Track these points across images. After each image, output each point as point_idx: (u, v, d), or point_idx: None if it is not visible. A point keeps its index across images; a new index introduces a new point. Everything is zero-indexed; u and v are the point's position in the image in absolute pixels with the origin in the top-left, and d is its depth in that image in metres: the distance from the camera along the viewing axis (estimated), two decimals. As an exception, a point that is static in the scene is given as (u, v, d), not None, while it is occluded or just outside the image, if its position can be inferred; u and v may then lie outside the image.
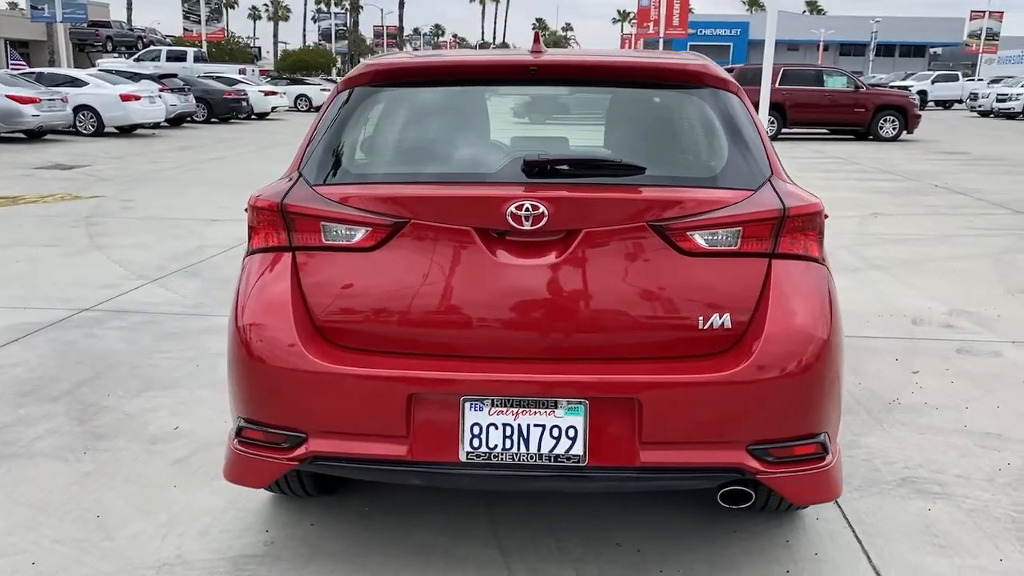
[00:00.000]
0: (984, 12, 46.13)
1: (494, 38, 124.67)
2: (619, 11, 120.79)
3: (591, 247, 2.30)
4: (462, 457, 2.31)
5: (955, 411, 3.93)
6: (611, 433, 2.28)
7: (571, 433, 2.28)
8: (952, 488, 3.19)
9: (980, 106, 35.80)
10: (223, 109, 26.74)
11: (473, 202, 2.34)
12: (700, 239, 2.32)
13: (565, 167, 2.39)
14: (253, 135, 22.13)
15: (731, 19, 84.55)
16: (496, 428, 2.29)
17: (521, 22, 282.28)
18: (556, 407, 2.28)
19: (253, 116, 28.97)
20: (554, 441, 2.28)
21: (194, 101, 25.00)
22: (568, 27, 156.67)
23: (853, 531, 2.87)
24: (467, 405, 2.30)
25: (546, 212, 2.26)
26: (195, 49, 38.38)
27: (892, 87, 29.80)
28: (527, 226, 2.27)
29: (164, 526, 2.90)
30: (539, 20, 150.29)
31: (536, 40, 2.77)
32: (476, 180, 2.48)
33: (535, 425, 2.29)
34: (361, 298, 2.38)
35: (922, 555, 2.74)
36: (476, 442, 2.30)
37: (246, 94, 27.83)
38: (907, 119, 21.51)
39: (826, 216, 2.49)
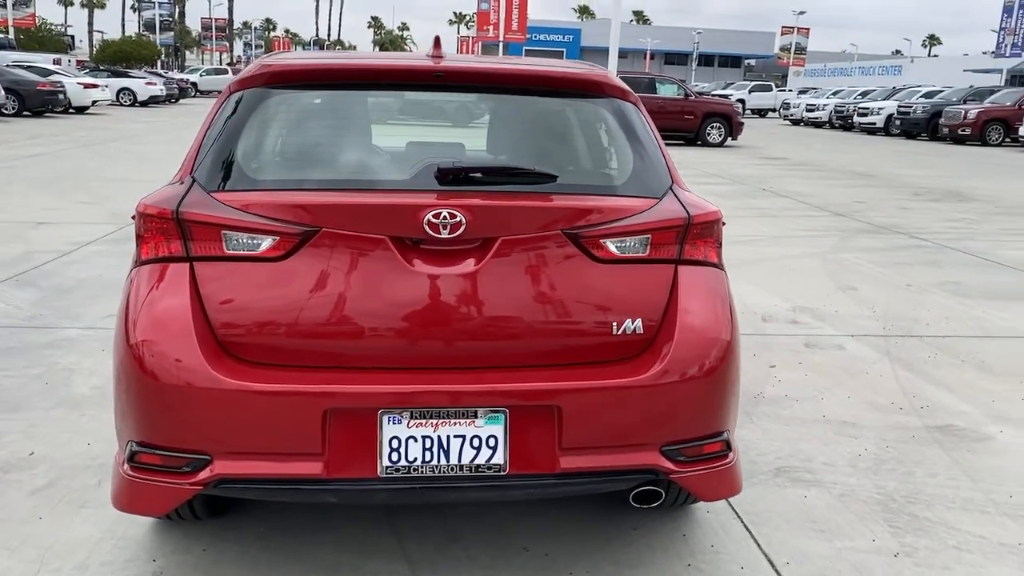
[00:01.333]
0: (793, 28, 49.79)
1: (328, 35, 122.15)
2: (455, 13, 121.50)
3: (507, 255, 2.30)
4: (380, 472, 2.25)
5: (813, 402, 4.22)
6: (531, 441, 2.29)
7: (491, 442, 2.27)
8: (821, 475, 3.42)
9: (792, 115, 38.58)
10: (37, 101, 24.76)
11: (389, 210, 2.28)
12: (612, 246, 2.37)
13: (477, 174, 2.37)
14: (73, 131, 20.60)
15: (565, 25, 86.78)
16: (415, 441, 2.25)
17: (356, 20, 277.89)
18: (476, 417, 2.26)
19: (71, 110, 27.00)
20: (474, 451, 2.26)
21: (2, 92, 23.02)
22: (404, 27, 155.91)
23: (742, 521, 3.02)
24: (385, 418, 2.24)
25: (464, 220, 2.24)
26: (2, 36, 35.28)
27: (715, 95, 31.54)
28: (444, 234, 2.24)
29: (34, 562, 2.65)
30: (375, 19, 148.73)
31: (437, 44, 2.74)
32: (389, 187, 2.42)
33: (455, 436, 2.26)
34: (269, 310, 2.27)
35: (806, 540, 2.91)
36: (395, 456, 2.25)
37: (63, 86, 25.87)
38: (732, 126, 22.85)
39: (724, 224, 2.60)
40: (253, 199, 2.31)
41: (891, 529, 3.01)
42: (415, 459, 2.25)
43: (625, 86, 2.71)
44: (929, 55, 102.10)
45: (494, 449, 2.27)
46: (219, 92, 2.66)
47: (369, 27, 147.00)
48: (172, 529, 2.86)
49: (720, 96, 33.56)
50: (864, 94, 37.08)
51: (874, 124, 31.42)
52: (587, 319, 2.35)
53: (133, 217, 2.42)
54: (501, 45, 32.51)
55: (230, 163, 2.42)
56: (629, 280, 2.39)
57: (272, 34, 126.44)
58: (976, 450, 3.69)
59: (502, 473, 2.28)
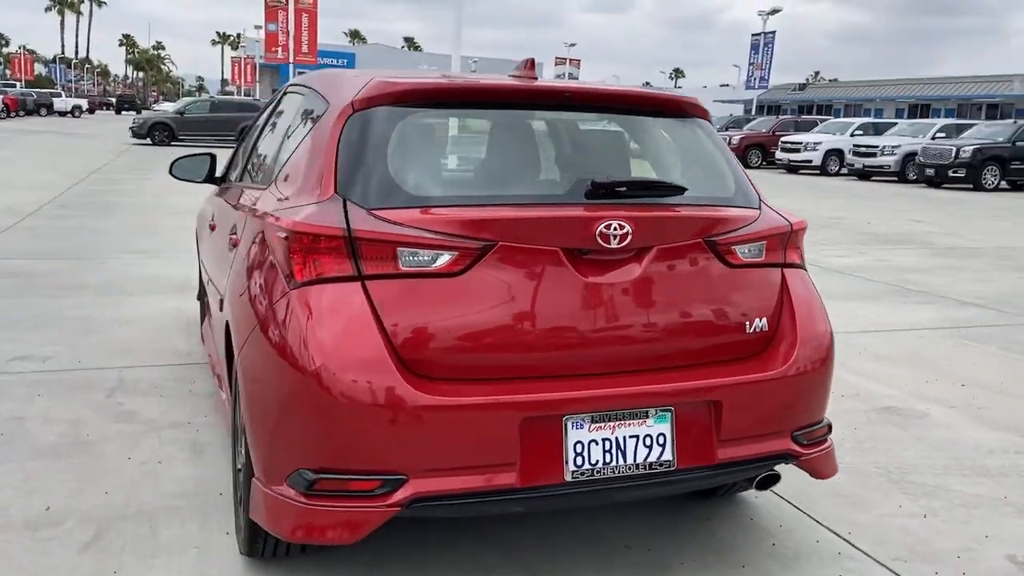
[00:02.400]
0: (566, 59, 52.64)
1: (76, 53, 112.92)
2: (219, 33, 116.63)
3: (661, 262, 2.46)
4: (567, 477, 2.32)
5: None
6: (693, 436, 2.45)
7: (661, 440, 2.41)
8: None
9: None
10: None
11: (563, 222, 2.37)
12: (740, 252, 2.60)
13: (624, 188, 2.51)
14: None
15: (339, 49, 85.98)
16: (596, 444, 2.34)
17: (106, 37, 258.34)
18: (647, 417, 2.40)
19: None
20: (647, 450, 2.39)
21: None
22: (159, 45, 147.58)
23: (790, 503, 3.33)
24: (569, 424, 2.32)
25: (630, 231, 2.38)
26: None
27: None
28: (614, 244, 2.37)
29: (145, 617, 2.43)
30: (126, 36, 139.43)
31: (532, 66, 2.84)
32: (554, 201, 2.50)
33: (630, 436, 2.38)
34: (449, 325, 2.28)
35: (850, 512, 3.27)
36: (579, 460, 2.33)
37: None
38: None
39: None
40: (424, 216, 2.31)
41: (907, 496, 3.44)
42: (597, 461, 2.34)
43: (705, 108, 2.95)
44: (675, 86, 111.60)
45: (663, 446, 2.41)
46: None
47: (121, 45, 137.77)
48: (265, 567, 2.71)
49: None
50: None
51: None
52: (727, 319, 2.56)
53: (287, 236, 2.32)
54: (292, 67, 31.78)
55: (382, 181, 2.39)
56: (753, 282, 2.63)
57: (7, 50, 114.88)
58: (924, 426, 4.27)
59: (672, 468, 2.42)
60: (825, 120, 32.42)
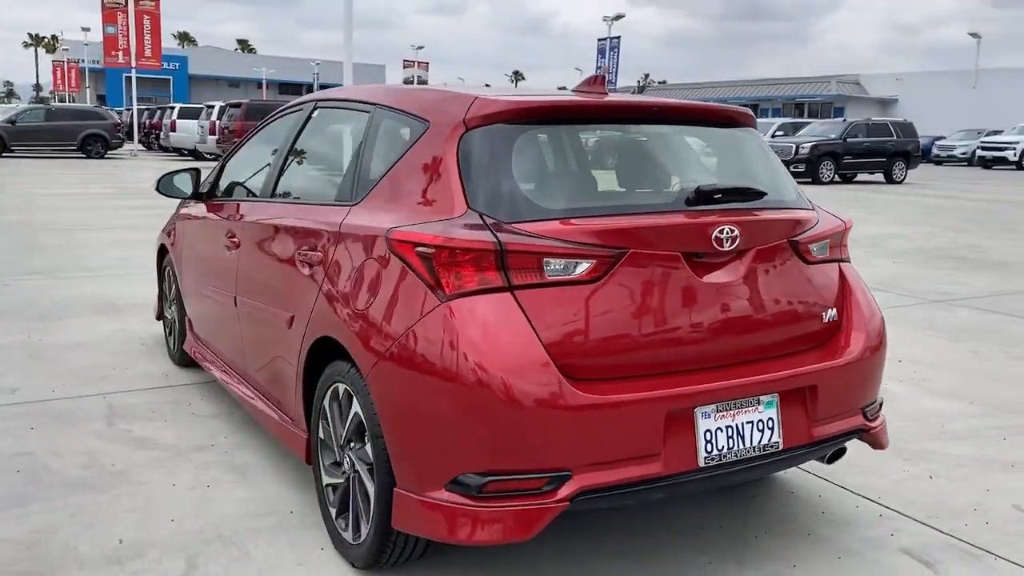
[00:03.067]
0: (414, 62, 52.62)
1: None
2: (32, 35, 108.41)
3: (759, 262, 2.71)
4: (700, 463, 2.52)
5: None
6: (794, 418, 2.71)
7: (770, 424, 2.65)
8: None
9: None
10: None
11: (685, 228, 2.57)
12: (813, 250, 2.88)
13: (721, 194, 2.73)
14: None
15: (171, 53, 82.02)
16: (721, 431, 2.55)
17: None
18: (759, 403, 2.63)
19: None
20: (760, 433, 2.63)
21: None
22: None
23: (816, 475, 3.67)
24: (699, 414, 2.52)
25: (739, 234, 2.61)
26: None
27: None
28: (726, 247, 2.59)
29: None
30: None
31: (602, 83, 3.02)
32: (670, 209, 2.67)
33: (747, 422, 2.60)
34: (592, 329, 2.42)
35: (870, 479, 3.64)
36: (709, 447, 2.53)
37: None
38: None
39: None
40: (563, 227, 2.44)
41: (907, 462, 3.85)
42: (723, 447, 2.55)
43: (754, 117, 3.21)
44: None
45: (772, 429, 2.65)
46: None
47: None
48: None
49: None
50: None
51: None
52: (809, 311, 2.84)
53: (422, 248, 2.38)
54: (134, 73, 30.13)
55: (513, 195, 2.50)
56: (823, 277, 2.92)
57: None
58: (894, 400, 4.74)
59: (779, 449, 2.67)
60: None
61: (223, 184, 4.38)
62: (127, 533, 3.01)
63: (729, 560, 2.93)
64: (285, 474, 3.56)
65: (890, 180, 25.09)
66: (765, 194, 2.85)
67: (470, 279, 2.37)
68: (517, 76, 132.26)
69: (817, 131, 25.89)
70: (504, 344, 2.32)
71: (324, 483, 2.99)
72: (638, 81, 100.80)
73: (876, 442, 3.05)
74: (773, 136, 27.09)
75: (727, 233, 2.59)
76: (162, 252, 5.20)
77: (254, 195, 3.94)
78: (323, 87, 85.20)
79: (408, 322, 2.44)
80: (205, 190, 4.41)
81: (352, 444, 2.78)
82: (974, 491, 3.56)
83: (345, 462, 2.83)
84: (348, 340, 2.67)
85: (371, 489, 2.64)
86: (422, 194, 2.63)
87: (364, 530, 2.70)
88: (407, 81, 59.79)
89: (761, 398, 2.64)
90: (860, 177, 25.38)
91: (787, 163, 24.11)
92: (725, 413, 2.57)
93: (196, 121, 26.70)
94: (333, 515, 2.92)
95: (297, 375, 3.10)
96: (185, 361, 4.93)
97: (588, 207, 2.63)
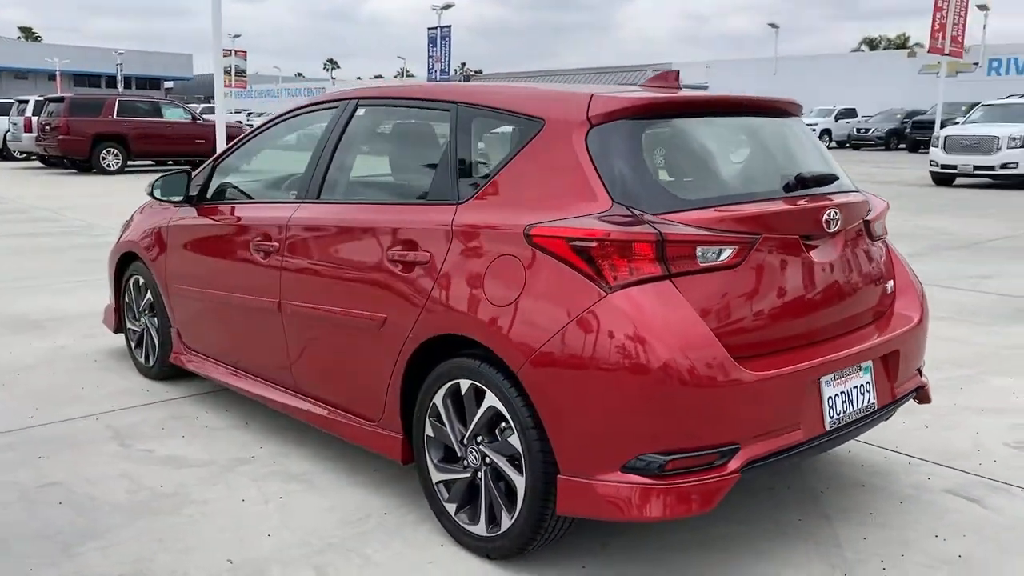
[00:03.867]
0: (232, 50, 50.32)
1: None
2: None
3: (848, 242, 2.97)
4: (827, 427, 2.76)
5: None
6: (882, 380, 3.01)
7: (867, 387, 2.93)
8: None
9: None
10: None
11: (803, 213, 2.78)
12: (875, 229, 3.19)
13: (817, 181, 2.97)
14: None
15: (-54, 41, 74.43)
16: (838, 397, 2.81)
17: None
18: (860, 369, 2.90)
19: None
20: (862, 397, 2.90)
21: None
22: None
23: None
24: (823, 382, 2.75)
25: (840, 217, 2.86)
26: None
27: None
28: (832, 229, 2.83)
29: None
30: None
31: (676, 79, 3.18)
32: (786, 195, 2.86)
33: (853, 387, 2.87)
34: (740, 309, 2.60)
35: (902, 436, 4.04)
36: (832, 412, 2.78)
37: None
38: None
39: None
40: (708, 216, 2.59)
41: (900, 415, 4.30)
42: (839, 411, 2.80)
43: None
44: (331, 77, 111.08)
45: (869, 392, 2.93)
46: None
47: None
48: (507, 564, 2.81)
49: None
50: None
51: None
52: (880, 283, 3.15)
53: (583, 245, 2.46)
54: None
55: (653, 187, 2.62)
56: (880, 252, 3.24)
57: None
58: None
59: (874, 409, 2.95)
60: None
61: (222, 187, 4.19)
62: (232, 553, 2.89)
63: (814, 515, 3.20)
64: (352, 477, 3.49)
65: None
66: (839, 178, 3.13)
67: (634, 269, 2.48)
68: (332, 64, 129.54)
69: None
70: (674, 329, 2.45)
71: (435, 480, 2.99)
72: (455, 70, 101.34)
73: (927, 397, 3.40)
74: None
75: (833, 215, 2.84)
76: (124, 260, 4.87)
77: (283, 197, 3.81)
78: (128, 80, 79.86)
79: (569, 314, 2.50)
80: (195, 193, 4.20)
81: (479, 439, 2.81)
82: (967, 435, 4.03)
83: (470, 457, 2.85)
84: (488, 336, 2.68)
85: (518, 480, 2.68)
86: (553, 190, 2.69)
87: (506, 521, 2.74)
88: (227, 70, 57.27)
89: (862, 364, 2.91)
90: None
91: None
92: (840, 380, 2.82)
93: (7, 117, 24.40)
94: (452, 511, 2.94)
95: (392, 376, 3.07)
96: (164, 374, 4.67)
97: (719, 196, 2.78)
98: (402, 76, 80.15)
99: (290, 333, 3.58)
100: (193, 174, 4.25)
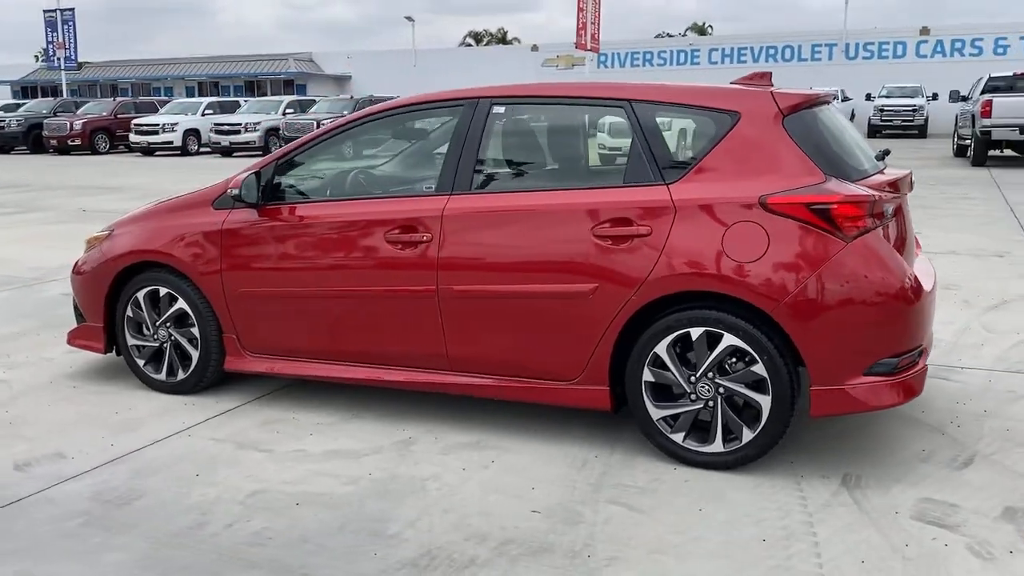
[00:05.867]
0: None
1: None
2: None
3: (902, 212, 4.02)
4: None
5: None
6: None
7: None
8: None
9: None
10: None
11: (905, 178, 3.78)
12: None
13: (883, 155, 3.98)
14: None
15: None
16: (925, 309, 3.90)
17: None
18: (923, 289, 4.02)
19: None
20: (926, 308, 4.03)
21: None
22: None
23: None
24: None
25: (910, 182, 3.93)
26: None
27: None
28: (908, 191, 3.89)
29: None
30: None
31: (769, 78, 4.01)
32: (878, 171, 3.80)
33: (925, 302, 3.98)
34: (893, 248, 3.53)
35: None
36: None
37: None
38: None
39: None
40: (878, 181, 3.50)
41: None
42: (927, 319, 3.90)
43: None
44: None
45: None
46: None
47: None
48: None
49: None
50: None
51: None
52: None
53: (772, 207, 3.25)
54: None
55: (841, 163, 3.48)
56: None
57: None
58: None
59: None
60: (168, 101, 32.36)
61: (295, 186, 4.21)
62: (532, 506, 3.21)
63: (937, 441, 3.95)
64: (528, 436, 3.86)
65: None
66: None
67: (861, 223, 3.30)
68: None
69: (334, 107, 27.38)
70: (895, 264, 3.34)
71: (655, 418, 3.55)
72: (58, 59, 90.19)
73: None
74: (284, 113, 27.80)
75: (909, 180, 3.90)
76: (123, 275, 4.53)
77: (405, 192, 3.99)
78: None
79: (818, 261, 3.26)
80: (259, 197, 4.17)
81: (710, 375, 3.45)
82: (993, 343, 5.31)
83: (700, 391, 3.47)
84: (738, 288, 3.32)
85: (763, 400, 3.37)
86: (766, 167, 3.39)
87: (747, 435, 3.43)
88: None
89: None
90: (369, 149, 27.61)
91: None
92: (923, 299, 3.91)
93: None
94: (680, 439, 3.53)
95: (603, 336, 3.55)
96: (202, 386, 4.47)
97: (866, 168, 3.67)
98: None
99: (449, 315, 3.82)
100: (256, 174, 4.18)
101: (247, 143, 26.72)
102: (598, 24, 28.73)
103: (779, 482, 3.41)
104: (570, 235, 3.61)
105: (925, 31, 37.60)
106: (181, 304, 4.42)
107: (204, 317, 4.38)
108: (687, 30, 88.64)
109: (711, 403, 3.49)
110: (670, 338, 3.50)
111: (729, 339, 3.40)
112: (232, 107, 29.92)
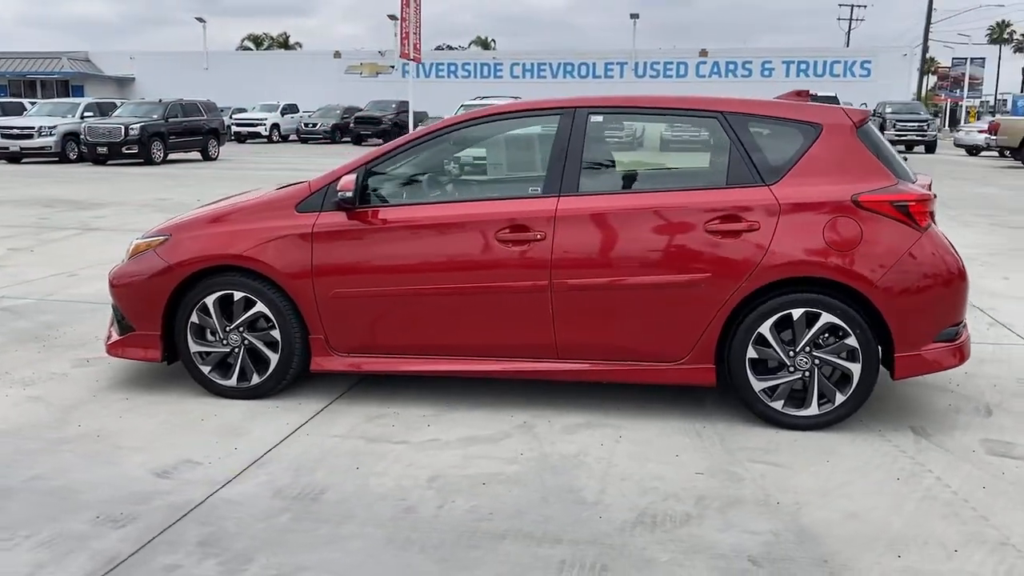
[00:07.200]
0: None
1: None
2: None
3: None
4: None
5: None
6: None
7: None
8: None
9: None
10: None
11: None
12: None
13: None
14: None
15: None
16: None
17: None
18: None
19: None
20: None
21: None
22: None
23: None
24: (938, 281, 4.65)
25: (922, 183, 4.74)
26: None
27: None
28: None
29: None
30: None
31: (808, 95, 4.67)
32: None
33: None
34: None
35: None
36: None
37: None
38: None
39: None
40: (925, 183, 4.24)
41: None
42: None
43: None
44: None
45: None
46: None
47: None
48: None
49: None
50: None
51: None
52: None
53: (897, 203, 3.93)
54: None
55: (901, 167, 4.18)
56: None
57: None
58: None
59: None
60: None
61: (390, 189, 4.38)
62: (700, 470, 3.62)
63: (951, 397, 4.82)
64: (635, 412, 4.25)
65: (207, 157, 26.63)
66: None
67: (929, 216, 4.03)
68: None
69: (141, 111, 25.73)
70: (952, 248, 4.09)
71: (757, 390, 4.09)
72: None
73: None
74: (83, 117, 25.77)
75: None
76: (189, 281, 4.42)
77: (510, 194, 4.25)
78: None
79: (902, 249, 3.93)
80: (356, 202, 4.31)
81: (807, 349, 4.03)
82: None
83: (799, 363, 4.05)
84: (840, 272, 3.93)
85: (854, 367, 4.00)
86: (850, 170, 4.03)
87: (840, 398, 4.04)
88: None
89: None
90: (177, 156, 26.12)
91: (119, 144, 23.71)
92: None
93: None
94: (779, 406, 4.09)
95: (713, 320, 4.04)
96: (280, 389, 4.47)
97: (910, 173, 4.40)
98: None
99: (560, 307, 4.15)
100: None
101: (42, 148, 24.51)
102: (419, 34, 29.10)
103: (868, 436, 4.05)
104: (683, 231, 4.07)
105: (704, 53, 41.38)
106: (260, 308, 4.39)
107: (287, 319, 4.38)
108: (471, 43, 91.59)
109: (807, 373, 4.08)
110: (773, 319, 4.05)
111: (827, 317, 4.01)
112: (17, 109, 27.31)
